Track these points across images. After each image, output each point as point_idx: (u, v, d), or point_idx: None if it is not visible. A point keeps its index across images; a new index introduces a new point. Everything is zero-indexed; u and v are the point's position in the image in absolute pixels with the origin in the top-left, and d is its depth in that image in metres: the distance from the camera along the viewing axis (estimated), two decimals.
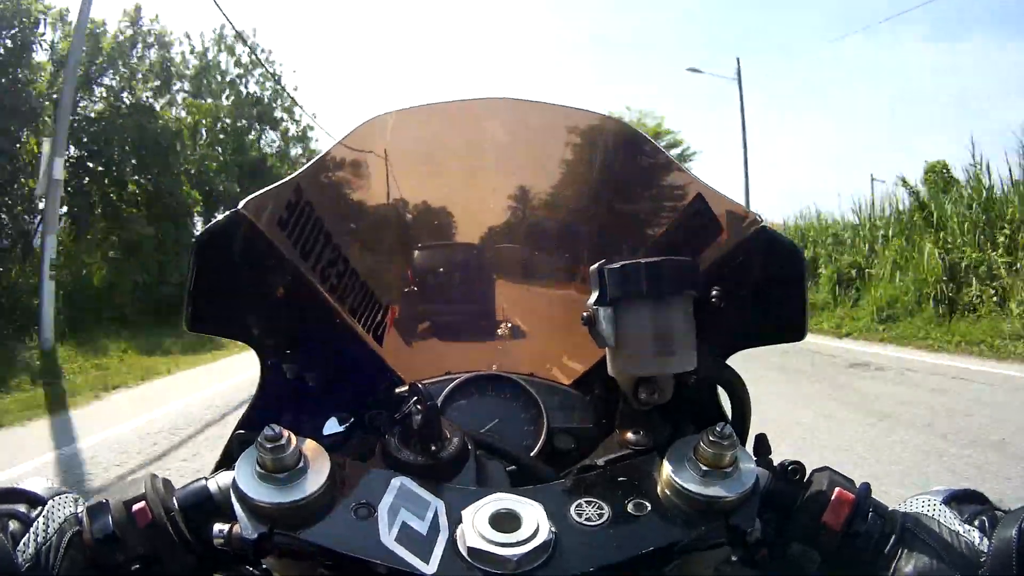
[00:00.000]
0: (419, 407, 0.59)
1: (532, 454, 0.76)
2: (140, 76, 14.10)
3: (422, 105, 0.79)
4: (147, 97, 14.20)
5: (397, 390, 0.81)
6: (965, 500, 0.51)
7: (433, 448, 0.59)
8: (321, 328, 0.76)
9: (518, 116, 0.83)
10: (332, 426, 0.74)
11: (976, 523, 0.49)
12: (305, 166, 0.71)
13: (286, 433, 0.49)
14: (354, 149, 0.79)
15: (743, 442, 0.65)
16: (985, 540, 0.47)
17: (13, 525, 0.47)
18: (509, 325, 0.93)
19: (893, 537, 0.49)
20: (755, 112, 37.21)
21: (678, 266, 0.59)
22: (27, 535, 0.47)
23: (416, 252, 0.91)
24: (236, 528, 0.47)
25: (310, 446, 0.51)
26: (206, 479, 0.52)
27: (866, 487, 0.53)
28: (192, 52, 19.17)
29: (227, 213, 0.63)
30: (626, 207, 0.85)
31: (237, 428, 0.63)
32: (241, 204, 0.63)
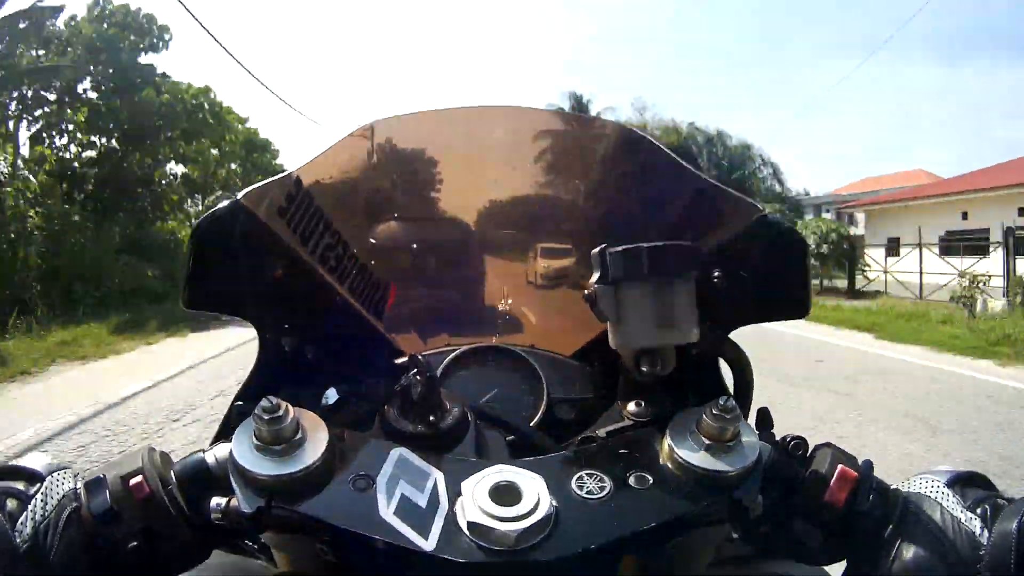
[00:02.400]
0: (419, 378, 0.59)
1: (532, 424, 0.76)
2: None
3: (422, 111, 0.79)
4: None
5: (397, 361, 0.81)
6: (969, 484, 0.51)
7: (432, 419, 0.58)
8: (320, 302, 0.76)
9: (518, 122, 0.83)
10: (331, 397, 0.73)
11: (978, 511, 0.48)
12: (305, 162, 0.71)
13: (283, 404, 0.48)
14: (355, 149, 0.78)
15: (745, 416, 0.65)
16: (985, 531, 0.46)
17: (11, 504, 0.46)
18: (509, 298, 0.92)
19: (894, 519, 0.49)
20: None
21: (680, 250, 0.58)
22: (25, 513, 0.46)
23: (415, 226, 0.90)
24: (233, 502, 0.47)
25: (308, 417, 0.50)
26: (203, 451, 0.52)
27: (868, 464, 0.52)
28: None
29: (226, 202, 0.62)
30: (627, 206, 0.84)
31: (235, 399, 0.63)
32: (241, 194, 0.62)
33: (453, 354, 0.83)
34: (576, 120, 0.81)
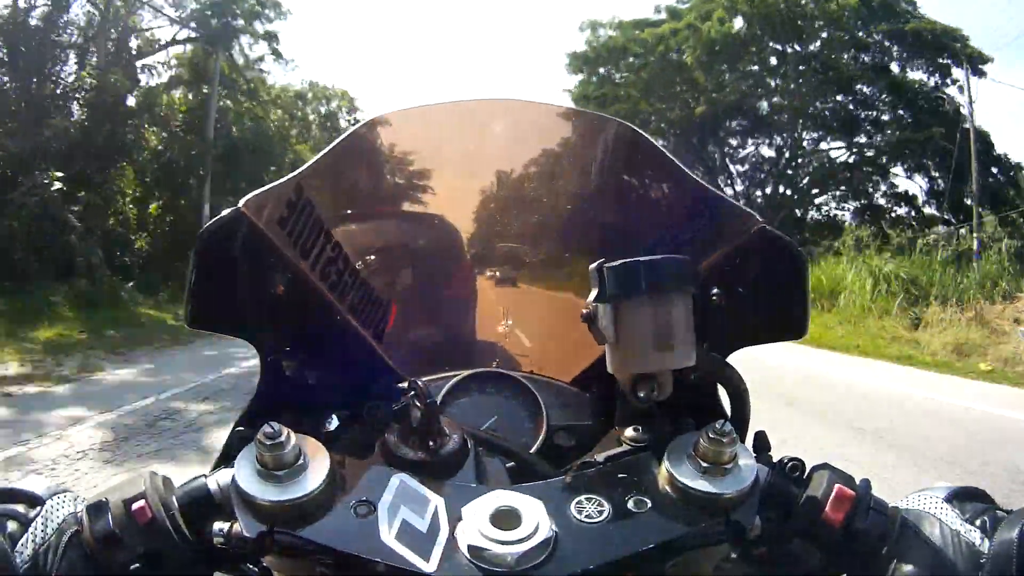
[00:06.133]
0: (418, 404, 0.59)
1: (531, 451, 0.76)
2: None
3: (422, 106, 0.80)
4: None
5: (397, 386, 0.81)
6: (967, 498, 0.51)
7: (432, 445, 0.59)
8: (321, 325, 0.76)
9: (519, 117, 0.83)
10: (332, 423, 0.73)
11: (978, 523, 0.48)
12: (305, 165, 0.72)
13: (285, 430, 0.49)
14: (354, 149, 0.79)
15: (743, 439, 0.65)
16: (986, 541, 0.46)
17: (11, 526, 0.47)
18: (509, 322, 0.93)
19: (893, 535, 0.49)
20: None
21: (677, 264, 0.59)
22: (25, 536, 0.46)
23: (414, 241, 0.90)
24: (236, 527, 0.47)
25: (310, 443, 0.51)
26: (206, 477, 0.52)
27: (866, 484, 0.53)
28: None
29: (227, 211, 0.63)
30: (626, 207, 0.85)
31: (236, 425, 0.63)
32: (242, 202, 0.63)
33: (453, 380, 0.83)
34: (575, 115, 0.81)
